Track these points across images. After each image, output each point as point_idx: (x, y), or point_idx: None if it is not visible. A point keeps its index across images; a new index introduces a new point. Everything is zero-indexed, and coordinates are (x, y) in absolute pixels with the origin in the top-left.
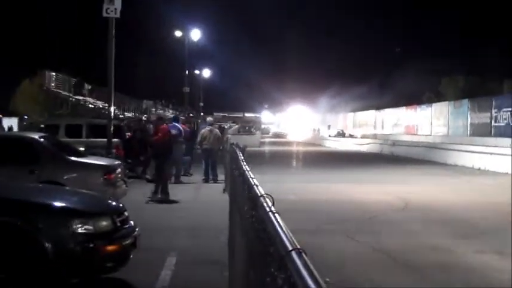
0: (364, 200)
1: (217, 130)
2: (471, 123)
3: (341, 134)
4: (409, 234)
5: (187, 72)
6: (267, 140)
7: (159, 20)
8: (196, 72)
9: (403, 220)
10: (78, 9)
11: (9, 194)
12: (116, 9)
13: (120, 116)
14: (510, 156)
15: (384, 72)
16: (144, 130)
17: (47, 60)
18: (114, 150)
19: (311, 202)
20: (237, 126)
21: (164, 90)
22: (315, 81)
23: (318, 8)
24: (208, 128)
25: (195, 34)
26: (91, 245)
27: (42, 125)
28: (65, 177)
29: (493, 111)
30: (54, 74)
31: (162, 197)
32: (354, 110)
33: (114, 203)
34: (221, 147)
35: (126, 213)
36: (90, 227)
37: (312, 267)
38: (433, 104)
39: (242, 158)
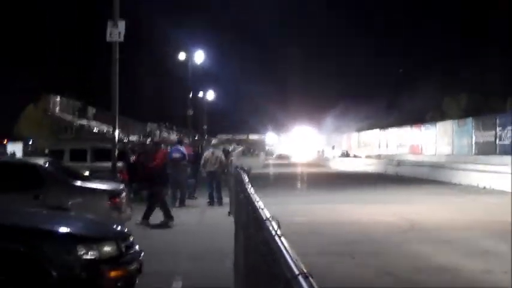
0: (369, 221)
1: (220, 152)
2: (475, 142)
3: (345, 155)
4: (416, 255)
5: (191, 94)
6: (271, 161)
7: (163, 42)
8: (200, 94)
9: (409, 241)
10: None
11: (12, 220)
12: (119, 33)
13: (125, 140)
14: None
15: (388, 93)
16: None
17: (51, 84)
18: (118, 174)
19: (316, 224)
20: (241, 148)
21: (168, 113)
22: (319, 102)
23: (321, 28)
24: (211, 150)
25: (199, 56)
26: (96, 271)
27: (46, 150)
28: (70, 202)
29: (498, 129)
30: (58, 98)
31: (165, 220)
32: (358, 130)
33: (119, 228)
34: (225, 170)
35: (131, 238)
36: (95, 252)
37: None
38: (437, 123)
39: (247, 180)
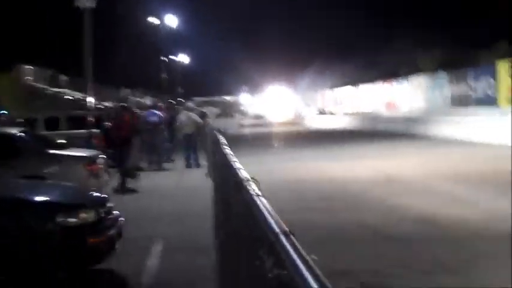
0: (346, 176)
1: (194, 115)
2: (449, 95)
3: (321, 112)
4: (392, 207)
5: (164, 58)
6: (247, 122)
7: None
8: (174, 58)
9: (385, 194)
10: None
11: None
12: None
13: (99, 106)
14: (489, 125)
15: (364, 50)
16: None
17: (22, 53)
18: (94, 141)
19: (294, 181)
20: (216, 110)
21: (142, 77)
22: (293, 61)
23: None
24: (185, 113)
25: (172, 19)
26: (76, 237)
27: (20, 119)
28: (46, 171)
29: (471, 81)
30: (29, 67)
31: (117, 187)
32: (333, 87)
33: (97, 194)
34: (201, 132)
35: (109, 204)
36: (74, 220)
37: (300, 248)
38: (411, 78)
39: (223, 141)
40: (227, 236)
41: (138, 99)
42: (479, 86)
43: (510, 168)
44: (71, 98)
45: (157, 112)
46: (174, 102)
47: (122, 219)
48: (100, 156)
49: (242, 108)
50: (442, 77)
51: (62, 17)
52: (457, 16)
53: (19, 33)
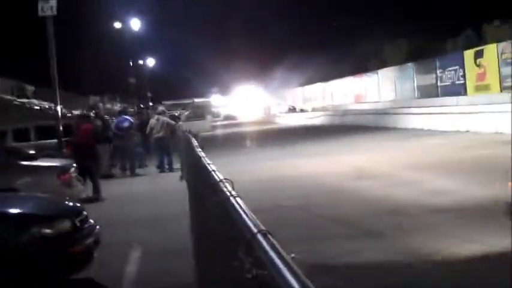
0: (320, 173)
1: (165, 118)
2: (417, 86)
3: (292, 110)
4: (367, 201)
5: (131, 63)
6: (219, 123)
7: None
8: (141, 62)
9: (359, 188)
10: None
11: None
12: (52, 7)
13: (68, 114)
14: (458, 114)
15: (332, 45)
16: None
17: None
18: (65, 150)
19: (268, 180)
20: (187, 112)
21: (111, 83)
22: (262, 60)
23: None
24: (156, 117)
25: (136, 24)
26: (53, 248)
27: None
28: (19, 182)
29: (438, 71)
30: None
31: (94, 195)
32: (303, 84)
33: (71, 204)
34: (174, 135)
35: (85, 212)
36: (49, 231)
37: (278, 247)
38: (379, 71)
39: (196, 144)
40: (204, 238)
41: (107, 105)
42: (447, 75)
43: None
44: (38, 108)
45: (127, 117)
46: (144, 107)
47: (98, 227)
48: (72, 165)
49: (213, 109)
50: (410, 68)
51: (24, 26)
52: (423, 7)
53: None
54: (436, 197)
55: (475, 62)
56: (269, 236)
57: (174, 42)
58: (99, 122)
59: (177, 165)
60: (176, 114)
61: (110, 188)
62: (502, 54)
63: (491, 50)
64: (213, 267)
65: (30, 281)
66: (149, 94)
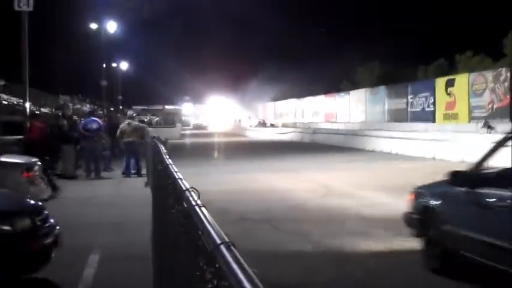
0: (286, 189)
1: (136, 123)
2: (388, 109)
3: (262, 124)
4: (330, 220)
5: (104, 65)
6: (188, 132)
7: (74, 12)
8: (114, 65)
9: (324, 207)
10: None
11: None
12: (28, 1)
13: (37, 112)
14: (426, 141)
15: (307, 63)
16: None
17: None
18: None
19: (234, 192)
20: (157, 119)
21: (82, 84)
22: (236, 73)
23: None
24: (126, 121)
25: (112, 26)
26: (10, 245)
27: None
28: None
29: (409, 97)
30: None
31: (52, 194)
32: (274, 100)
33: (32, 202)
34: (143, 140)
35: (45, 212)
36: (7, 228)
37: (241, 260)
38: (351, 92)
39: (164, 151)
40: (166, 246)
41: (77, 105)
42: (418, 101)
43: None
44: (6, 103)
45: (96, 119)
46: (113, 110)
47: (58, 227)
48: (37, 163)
49: (184, 117)
50: (382, 91)
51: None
52: (398, 33)
53: None
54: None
55: (446, 91)
56: (232, 247)
57: (149, 47)
58: (64, 122)
59: (144, 170)
60: (145, 119)
61: (74, 190)
62: (472, 85)
63: (462, 80)
64: (173, 276)
65: None
66: (120, 97)
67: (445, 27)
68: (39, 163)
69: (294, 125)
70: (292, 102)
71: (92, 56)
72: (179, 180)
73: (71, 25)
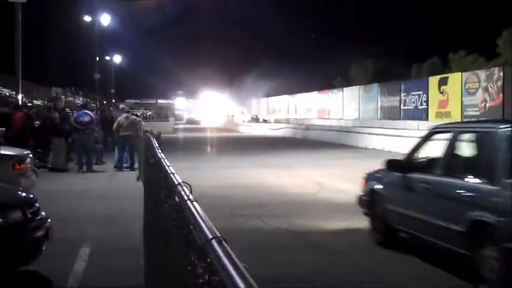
0: (278, 185)
1: (134, 117)
2: (381, 107)
3: (255, 119)
4: (323, 216)
5: (98, 58)
6: (181, 126)
7: (68, 4)
8: (108, 58)
9: (316, 203)
10: None
11: None
12: None
13: (29, 104)
14: (418, 138)
15: (302, 59)
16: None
17: None
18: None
19: (226, 188)
20: (150, 112)
21: (75, 77)
22: (230, 68)
23: None
24: (124, 115)
25: (106, 19)
26: (1, 238)
27: None
28: None
29: (402, 94)
30: None
31: None
32: (268, 95)
33: (24, 194)
34: (138, 134)
35: (37, 204)
36: None
37: (233, 254)
38: (344, 89)
39: (157, 145)
40: (157, 240)
41: (69, 98)
42: (410, 99)
43: None
44: None
45: (88, 112)
46: (107, 103)
47: (50, 220)
48: (28, 155)
49: (177, 112)
50: (375, 88)
51: None
52: (393, 31)
53: None
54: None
55: (439, 89)
56: (224, 243)
57: (143, 41)
58: (56, 114)
59: (136, 164)
60: (138, 113)
61: (65, 183)
62: (466, 83)
63: (455, 78)
64: (165, 270)
65: None
66: (113, 91)
67: (439, 26)
68: (30, 155)
69: (287, 121)
70: (285, 98)
71: (85, 48)
72: (171, 175)
73: (65, 17)
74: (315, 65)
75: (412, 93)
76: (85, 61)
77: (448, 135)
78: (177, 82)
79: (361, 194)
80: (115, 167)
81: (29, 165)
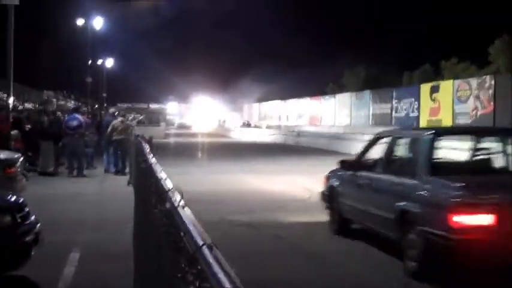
0: (269, 190)
1: (129, 121)
2: (373, 114)
3: (246, 125)
4: (314, 223)
5: (90, 62)
6: (172, 131)
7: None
8: (100, 62)
9: (308, 209)
10: None
11: None
12: None
13: (20, 107)
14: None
15: (290, 64)
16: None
17: None
18: (13, 143)
19: (217, 193)
20: (141, 117)
21: (67, 80)
22: (222, 73)
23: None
24: (120, 119)
25: (98, 22)
26: None
27: None
28: None
29: (394, 101)
30: None
31: None
32: (260, 101)
33: (13, 198)
34: (129, 139)
35: (26, 209)
36: None
37: (223, 261)
38: (337, 95)
39: (149, 150)
40: (147, 245)
41: (61, 102)
42: (402, 106)
43: None
44: None
45: (78, 116)
46: (98, 107)
47: (39, 225)
48: (19, 159)
49: (168, 117)
50: (367, 95)
51: None
52: (384, 38)
53: None
54: None
55: (431, 96)
56: (215, 249)
57: (135, 45)
58: (45, 118)
59: (127, 168)
60: (130, 118)
61: (55, 187)
62: (457, 91)
63: (447, 86)
64: (155, 275)
65: None
66: (104, 95)
67: (431, 34)
68: (21, 159)
69: (279, 127)
70: (277, 104)
71: (77, 52)
72: (162, 180)
73: (57, 20)
74: (307, 70)
75: (404, 100)
76: (77, 64)
77: (388, 140)
78: (169, 87)
79: (323, 190)
80: (105, 171)
81: (19, 169)
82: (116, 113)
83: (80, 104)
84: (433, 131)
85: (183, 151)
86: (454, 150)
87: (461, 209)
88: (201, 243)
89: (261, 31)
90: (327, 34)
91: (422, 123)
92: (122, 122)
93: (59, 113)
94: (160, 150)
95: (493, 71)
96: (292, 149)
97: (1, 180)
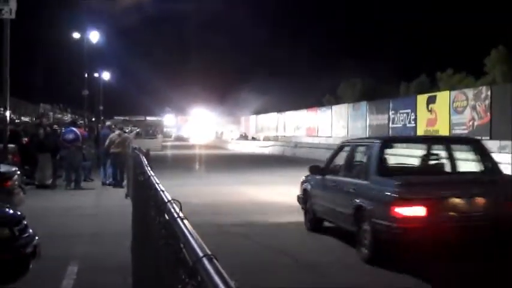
0: (267, 202)
1: (126, 134)
2: (369, 125)
3: (244, 137)
4: (312, 234)
5: (87, 75)
6: (169, 143)
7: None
8: (96, 75)
9: (302, 221)
10: None
11: None
12: (11, 9)
13: (17, 120)
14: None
15: (287, 76)
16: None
17: None
18: (10, 156)
19: (215, 205)
20: (137, 130)
21: (64, 93)
22: (218, 85)
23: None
24: (117, 132)
25: (94, 36)
26: None
27: None
28: None
29: (390, 112)
30: None
31: None
32: (257, 113)
33: (11, 211)
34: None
35: (24, 222)
36: None
37: (224, 273)
38: (333, 106)
39: (146, 162)
40: (146, 258)
41: (58, 115)
42: (399, 117)
43: None
44: None
45: (74, 129)
46: (95, 120)
47: (37, 238)
48: (16, 172)
49: (165, 129)
50: (363, 106)
51: None
52: (381, 49)
53: None
54: None
55: (427, 107)
56: (215, 260)
57: (132, 58)
58: (41, 131)
59: (125, 181)
60: (126, 130)
61: (53, 200)
62: (454, 102)
63: (443, 97)
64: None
65: None
66: (101, 107)
67: (427, 45)
68: (18, 172)
69: (276, 139)
70: (274, 116)
71: (74, 65)
72: (161, 192)
73: (54, 34)
74: (304, 82)
75: (401, 111)
76: (74, 78)
77: (349, 148)
78: (166, 99)
79: (299, 193)
80: (102, 184)
81: (16, 182)
82: (113, 126)
83: (76, 117)
84: (382, 140)
85: (181, 163)
86: (404, 156)
87: (400, 203)
88: (201, 254)
89: (258, 44)
90: (323, 46)
91: (420, 133)
92: (119, 135)
93: (55, 126)
94: (158, 162)
95: (489, 82)
96: (289, 160)
97: None
